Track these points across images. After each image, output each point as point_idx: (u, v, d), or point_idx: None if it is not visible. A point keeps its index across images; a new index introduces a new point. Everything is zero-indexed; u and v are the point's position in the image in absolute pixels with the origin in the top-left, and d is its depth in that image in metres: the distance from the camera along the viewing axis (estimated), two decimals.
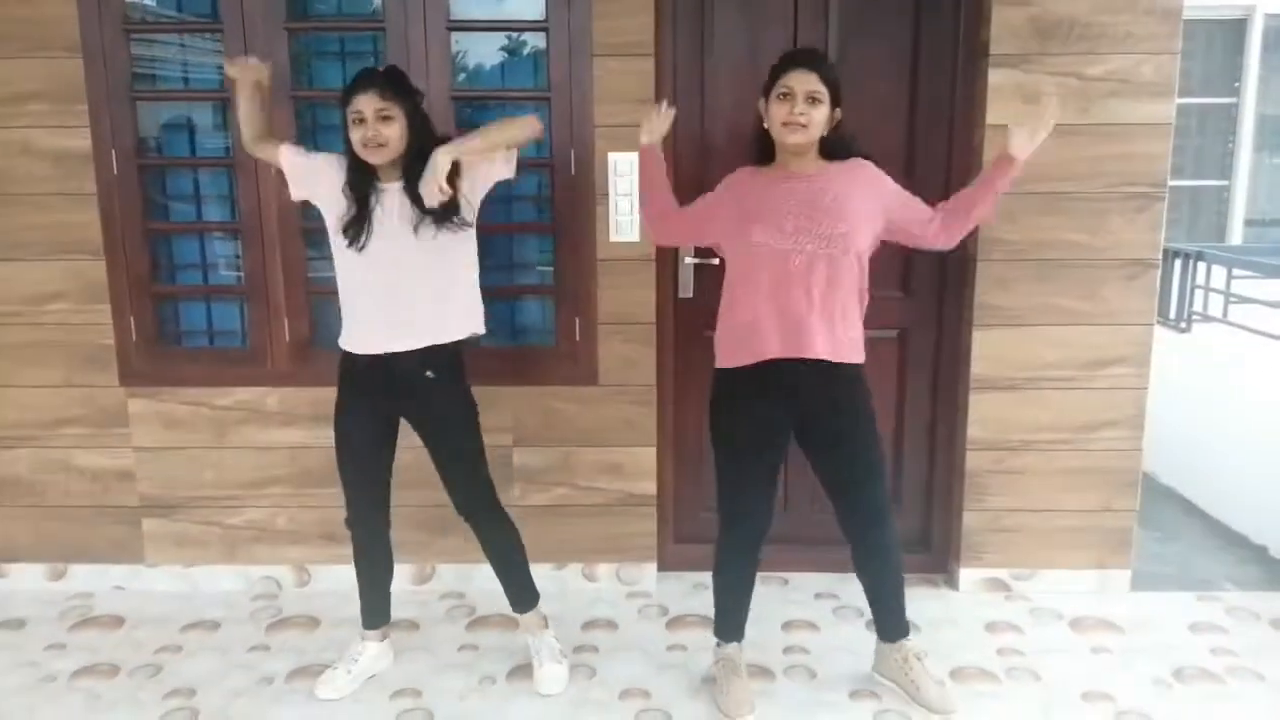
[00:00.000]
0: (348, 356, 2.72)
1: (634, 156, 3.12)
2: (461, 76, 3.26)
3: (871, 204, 2.51)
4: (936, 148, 3.29)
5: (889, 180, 2.57)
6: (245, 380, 3.33)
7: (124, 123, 3.18)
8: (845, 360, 2.52)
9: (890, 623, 2.77)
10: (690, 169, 3.30)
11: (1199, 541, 3.89)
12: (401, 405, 2.74)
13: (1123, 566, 3.40)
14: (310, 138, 3.30)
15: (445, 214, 2.56)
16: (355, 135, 2.52)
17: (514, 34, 3.27)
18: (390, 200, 2.58)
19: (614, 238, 3.22)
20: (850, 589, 3.08)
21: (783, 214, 2.47)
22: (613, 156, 3.16)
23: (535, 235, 3.39)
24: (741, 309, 2.54)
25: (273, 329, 3.29)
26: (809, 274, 2.46)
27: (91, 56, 3.12)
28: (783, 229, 2.46)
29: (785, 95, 2.43)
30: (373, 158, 2.54)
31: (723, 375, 2.62)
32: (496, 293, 3.34)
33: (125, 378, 3.34)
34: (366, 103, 2.50)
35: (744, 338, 2.54)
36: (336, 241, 2.64)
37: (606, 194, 3.19)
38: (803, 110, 2.41)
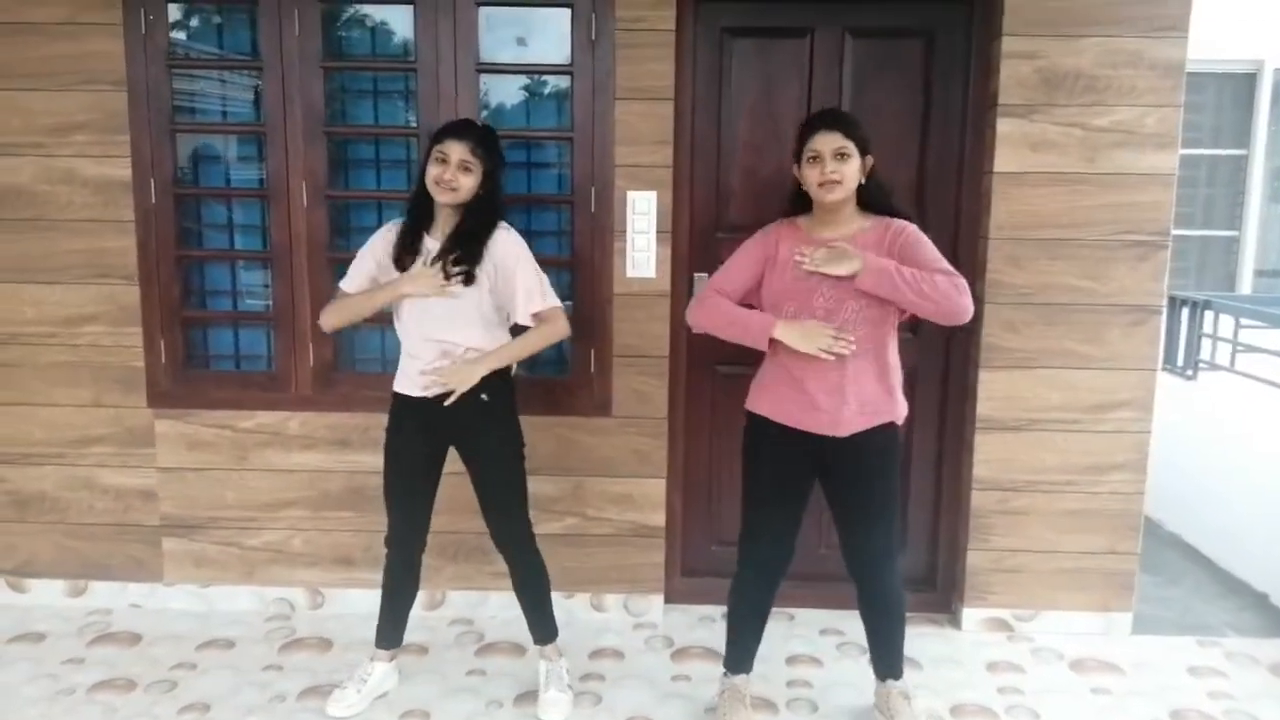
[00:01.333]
0: (401, 395, 2.81)
1: (652, 194, 3.24)
2: (485, 114, 3.37)
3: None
4: (945, 194, 3.39)
5: (927, 248, 2.54)
6: (268, 404, 3.43)
7: (163, 153, 3.31)
8: (876, 425, 2.58)
9: (884, 663, 2.82)
10: (706, 209, 3.41)
11: (1201, 587, 3.92)
12: (455, 435, 2.81)
13: (1125, 609, 3.43)
14: (342, 172, 3.43)
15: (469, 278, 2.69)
16: (433, 170, 2.65)
17: (537, 76, 3.39)
18: (431, 253, 2.72)
19: (630, 273, 3.31)
20: (855, 625, 3.10)
21: (814, 294, 2.52)
22: (631, 195, 3.26)
23: (554, 269, 3.48)
24: (774, 371, 2.62)
25: (297, 354, 3.39)
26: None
27: (135, 90, 3.26)
28: (813, 310, 2.52)
29: (814, 158, 2.51)
30: (441, 197, 2.67)
31: (754, 422, 2.68)
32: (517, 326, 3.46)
33: (153, 399, 3.44)
34: (456, 149, 2.64)
35: (775, 401, 2.61)
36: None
37: (624, 231, 3.29)
38: (834, 168, 2.49)
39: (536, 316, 2.78)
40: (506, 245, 2.74)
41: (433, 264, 2.67)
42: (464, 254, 2.67)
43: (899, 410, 2.62)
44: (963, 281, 2.47)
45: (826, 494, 2.70)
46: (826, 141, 2.50)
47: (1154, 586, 3.82)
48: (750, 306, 2.64)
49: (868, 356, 2.55)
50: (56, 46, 3.25)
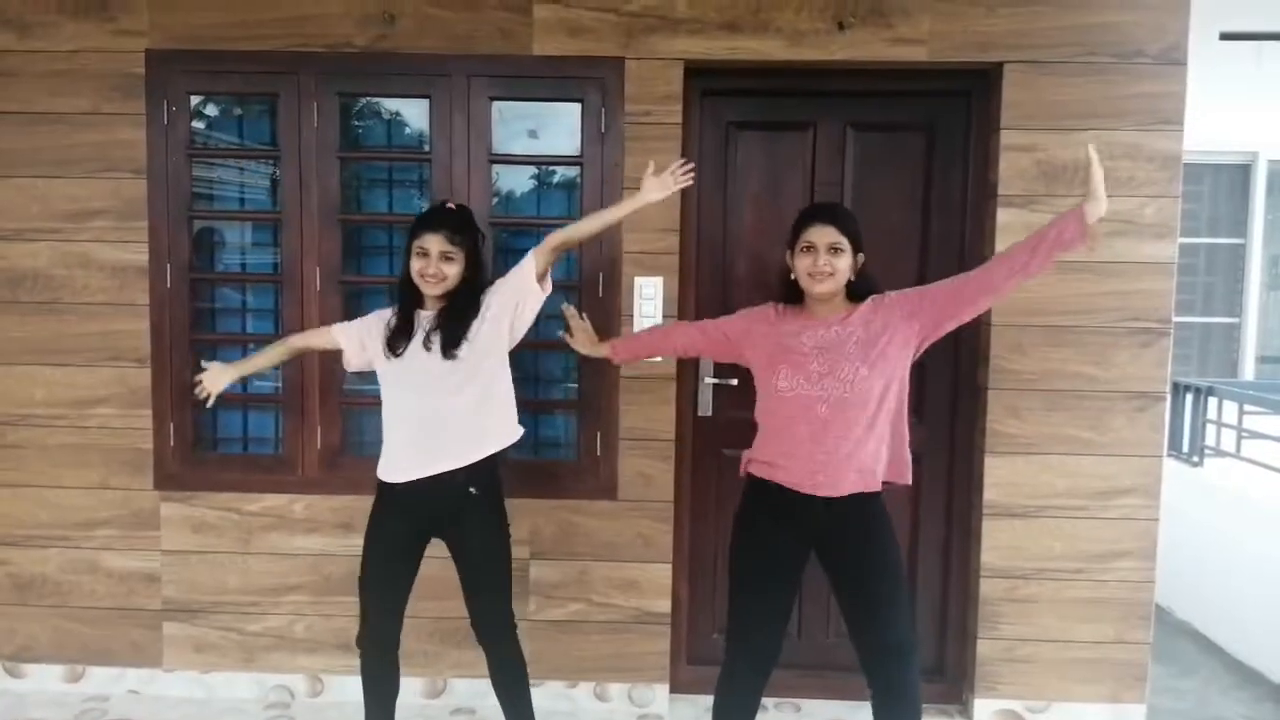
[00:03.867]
0: (387, 484, 2.77)
1: (659, 280, 3.29)
2: (496, 201, 3.44)
3: (900, 332, 2.55)
4: None
5: (907, 292, 2.61)
6: (275, 487, 3.43)
7: (180, 239, 3.38)
8: (870, 489, 2.56)
9: None
10: (711, 294, 3.46)
11: (1215, 678, 3.85)
12: (441, 526, 2.77)
13: (1138, 701, 3.37)
14: (355, 258, 3.49)
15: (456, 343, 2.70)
16: (416, 265, 2.69)
17: (545, 167, 3.48)
18: (426, 326, 2.73)
19: None
20: (862, 717, 3.05)
21: (809, 357, 2.55)
22: (639, 281, 3.32)
23: (561, 352, 3.52)
24: (768, 446, 2.62)
25: (305, 437, 3.41)
26: (834, 420, 2.52)
27: (155, 178, 3.35)
28: (809, 374, 2.53)
29: (808, 249, 2.55)
30: (429, 289, 2.70)
31: (751, 488, 2.66)
32: (521, 406, 3.47)
33: (160, 481, 3.44)
34: (434, 242, 2.67)
35: (769, 469, 2.61)
36: (382, 369, 2.77)
37: (631, 315, 3.33)
38: (826, 261, 2.53)
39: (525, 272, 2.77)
40: (490, 293, 2.78)
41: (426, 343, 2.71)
42: (451, 335, 2.70)
43: (899, 474, 2.60)
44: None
45: (831, 577, 2.63)
46: (821, 235, 2.54)
47: (1167, 677, 3.75)
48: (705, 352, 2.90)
49: (868, 425, 2.53)
50: (79, 135, 3.35)
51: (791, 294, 2.68)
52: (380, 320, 2.81)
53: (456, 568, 2.79)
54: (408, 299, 2.77)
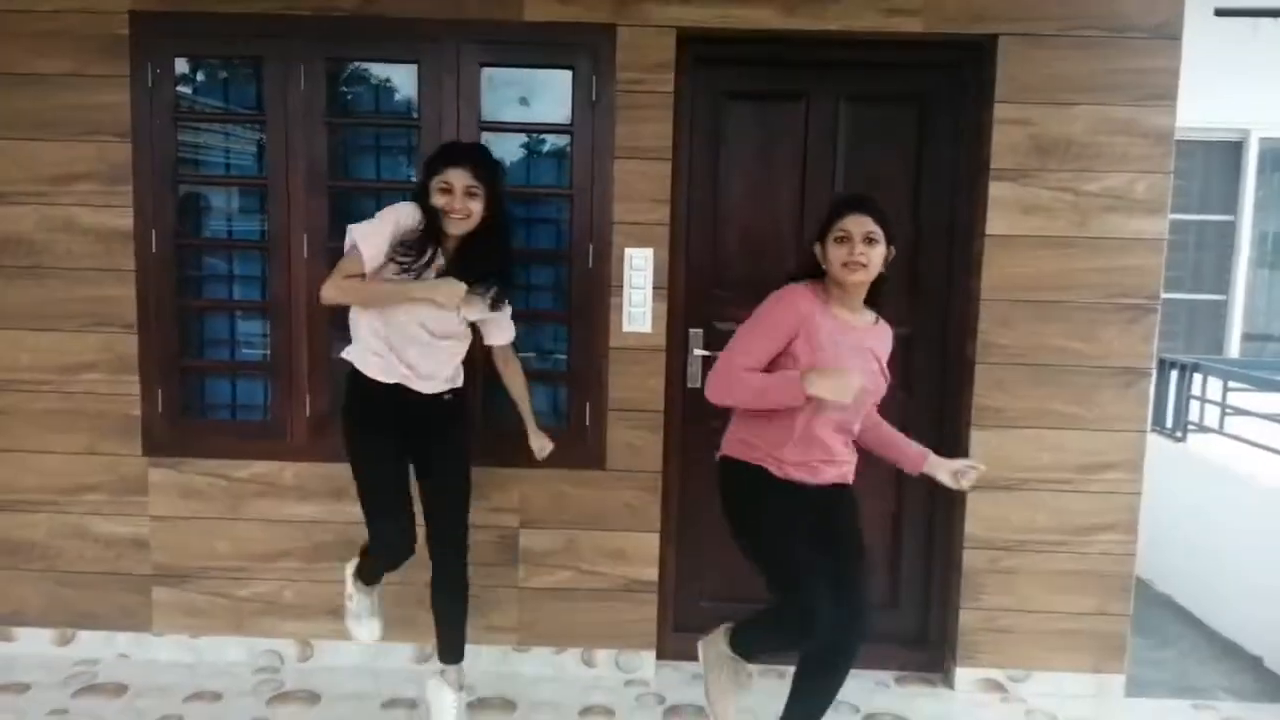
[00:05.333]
0: (374, 385, 2.79)
1: (649, 251, 3.28)
2: None
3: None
4: (937, 256, 3.44)
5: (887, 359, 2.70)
6: (264, 454, 3.43)
7: (166, 204, 3.35)
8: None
9: None
10: (702, 266, 3.45)
11: (1194, 650, 3.91)
12: (416, 440, 2.88)
13: (1117, 671, 3.42)
14: (343, 226, 3.41)
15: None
16: (440, 201, 2.68)
17: (536, 135, 3.45)
18: (445, 260, 2.78)
19: (627, 328, 3.34)
20: (850, 685, 3.09)
21: (857, 369, 2.52)
22: (629, 251, 3.31)
23: (551, 323, 3.52)
24: (773, 437, 2.60)
25: (294, 404, 3.40)
26: (845, 424, 2.62)
27: (140, 142, 3.31)
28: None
29: (843, 239, 2.52)
30: (453, 228, 2.71)
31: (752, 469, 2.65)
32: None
33: (148, 448, 3.44)
34: (458, 177, 2.67)
35: (764, 459, 2.61)
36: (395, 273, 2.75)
37: (621, 287, 3.33)
38: (862, 251, 2.51)
39: None
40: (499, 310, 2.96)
41: (470, 291, 2.77)
42: (500, 285, 2.85)
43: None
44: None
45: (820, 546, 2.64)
46: (858, 224, 2.52)
47: (1146, 648, 3.81)
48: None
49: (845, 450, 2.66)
50: (62, 98, 3.30)
51: (810, 274, 2.65)
52: (405, 226, 2.72)
53: (424, 483, 2.92)
54: (430, 233, 2.72)
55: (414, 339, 2.78)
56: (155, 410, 3.42)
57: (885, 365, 2.67)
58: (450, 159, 2.71)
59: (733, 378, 2.55)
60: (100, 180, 3.34)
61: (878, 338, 2.65)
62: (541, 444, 3.12)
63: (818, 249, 2.60)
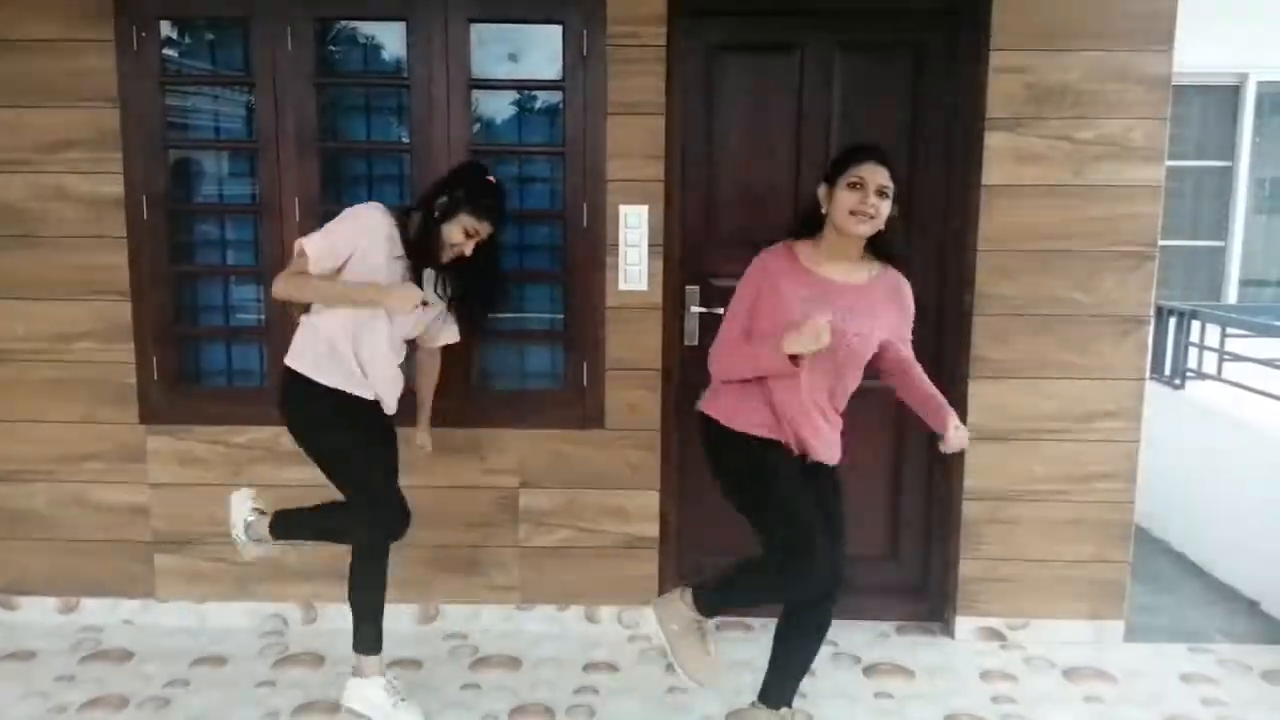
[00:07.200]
0: (351, 398, 2.81)
1: (644, 209, 3.25)
2: (477, 128, 3.38)
3: (895, 327, 2.61)
4: (934, 206, 3.42)
5: (911, 311, 2.65)
6: (261, 419, 3.41)
7: (156, 170, 3.31)
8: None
9: (791, 689, 2.73)
10: (697, 222, 3.43)
11: (1191, 595, 3.95)
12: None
13: (1116, 617, 3.46)
14: (335, 187, 3.44)
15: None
16: (455, 237, 2.69)
17: (526, 92, 3.41)
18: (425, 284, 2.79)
19: (623, 286, 3.33)
20: (846, 635, 3.14)
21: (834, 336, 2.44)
22: (623, 209, 3.28)
23: (547, 283, 3.51)
24: (756, 401, 2.55)
25: None
26: (829, 385, 2.55)
27: (128, 107, 3.27)
28: (833, 350, 2.45)
29: (856, 185, 2.44)
30: (447, 259, 2.75)
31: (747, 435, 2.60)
32: (509, 337, 3.47)
33: (145, 415, 3.43)
34: (482, 228, 2.71)
35: (752, 421, 2.56)
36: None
37: (616, 245, 3.31)
38: (874, 202, 2.45)
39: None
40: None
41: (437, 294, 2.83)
42: (481, 306, 2.97)
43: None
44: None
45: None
46: (874, 173, 2.45)
47: (1145, 594, 3.84)
48: None
49: (845, 395, 2.61)
50: (48, 63, 3.25)
51: (807, 229, 2.59)
52: (378, 237, 2.71)
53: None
54: (426, 250, 2.73)
55: (386, 352, 2.85)
56: (151, 377, 3.41)
57: (896, 318, 2.59)
58: (484, 209, 2.70)
59: (730, 352, 2.56)
60: (89, 147, 3.30)
61: (881, 292, 2.57)
62: (424, 440, 3.14)
63: (822, 191, 2.54)
